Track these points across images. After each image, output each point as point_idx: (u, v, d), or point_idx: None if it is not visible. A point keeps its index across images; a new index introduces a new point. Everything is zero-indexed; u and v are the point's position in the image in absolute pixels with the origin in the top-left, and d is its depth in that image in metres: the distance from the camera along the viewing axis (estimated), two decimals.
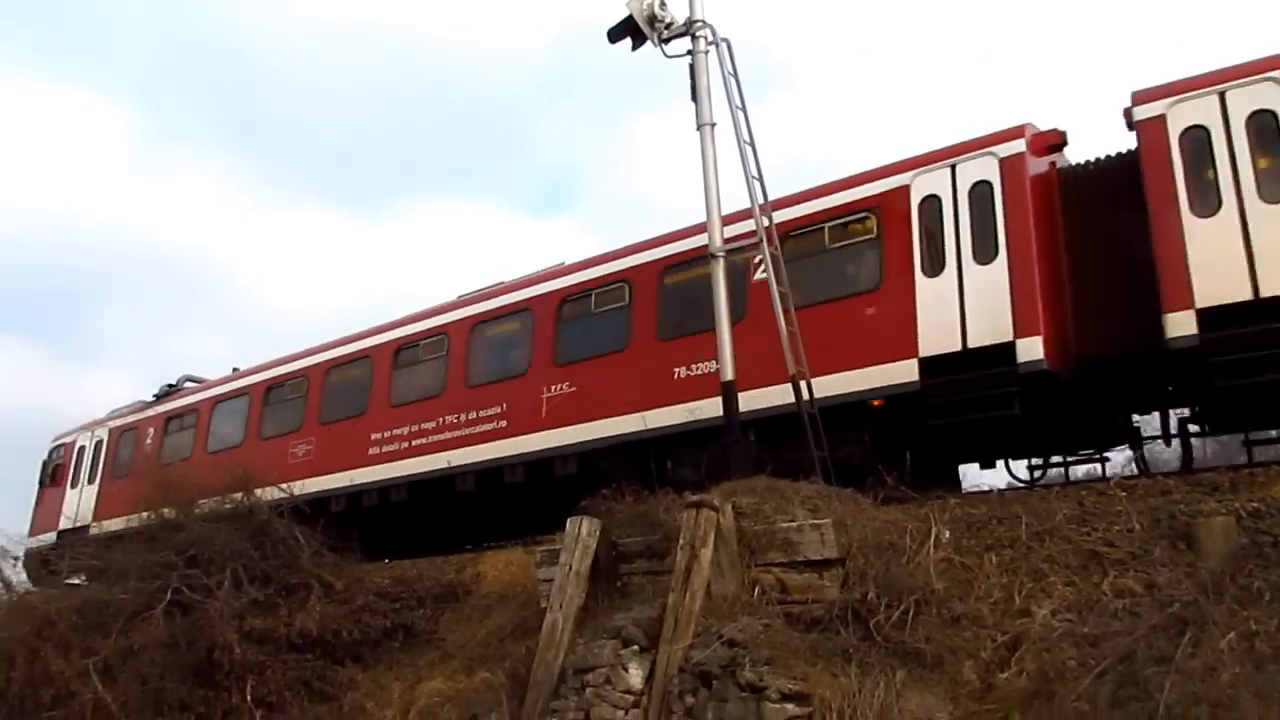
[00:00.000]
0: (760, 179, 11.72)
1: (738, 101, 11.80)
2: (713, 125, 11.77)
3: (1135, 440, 11.94)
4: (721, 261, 11.46)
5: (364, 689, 10.85)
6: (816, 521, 8.58)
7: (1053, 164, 11.64)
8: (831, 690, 7.18)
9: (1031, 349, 10.41)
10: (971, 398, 10.56)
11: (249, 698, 10.96)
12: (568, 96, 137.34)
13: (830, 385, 11.28)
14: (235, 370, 20.30)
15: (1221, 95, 10.26)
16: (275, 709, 10.94)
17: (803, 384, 10.94)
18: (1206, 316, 9.69)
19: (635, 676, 8.06)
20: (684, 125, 11.90)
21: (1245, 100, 10.13)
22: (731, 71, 11.84)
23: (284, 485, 14.48)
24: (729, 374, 11.07)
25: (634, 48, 12.26)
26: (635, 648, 8.25)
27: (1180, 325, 9.80)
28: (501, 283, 15.93)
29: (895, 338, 11.18)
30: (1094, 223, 11.01)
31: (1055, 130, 11.66)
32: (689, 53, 11.96)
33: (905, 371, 11.05)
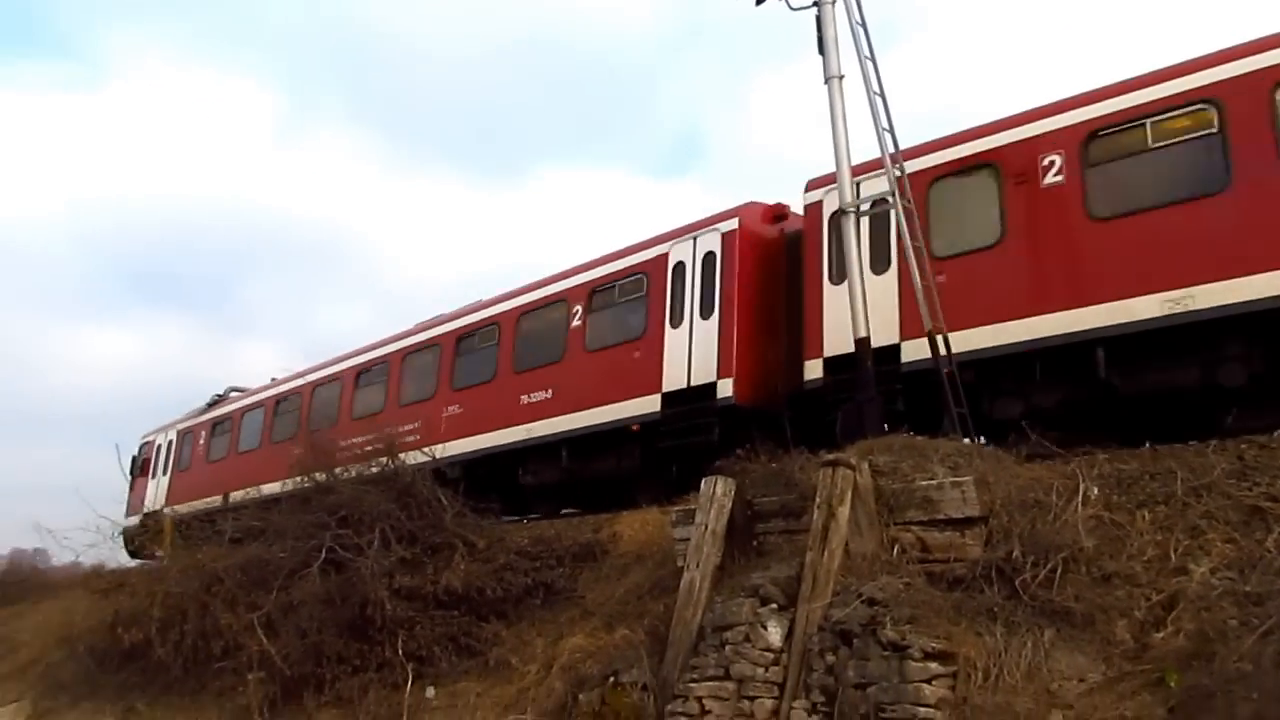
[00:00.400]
0: (891, 131, 11.43)
1: (866, 52, 11.52)
2: (841, 78, 11.52)
3: None
4: (853, 218, 11.28)
5: (508, 644, 11.18)
6: (957, 479, 8.40)
7: (782, 230, 14.05)
8: (976, 649, 7.07)
9: (726, 388, 13.13)
10: (688, 425, 13.29)
11: (400, 651, 11.45)
12: (691, 55, 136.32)
13: (610, 413, 14.35)
14: (273, 379, 23.72)
15: (857, 185, 11.85)
16: (425, 662, 11.40)
17: (939, 340, 10.69)
18: (830, 363, 12.13)
19: (774, 634, 8.09)
20: (811, 79, 11.67)
21: (867, 190, 11.97)
22: (859, 21, 11.54)
23: (427, 450, 15.03)
24: (862, 331, 10.90)
25: (758, 2, 12.10)
26: (773, 606, 8.27)
27: (813, 370, 12.37)
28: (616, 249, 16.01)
29: (650, 376, 13.96)
30: (793, 282, 13.18)
31: (780, 204, 14.28)
32: (815, 4, 11.71)
33: (652, 404, 13.85)
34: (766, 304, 13.60)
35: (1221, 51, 10.31)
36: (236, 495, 20.46)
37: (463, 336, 17.49)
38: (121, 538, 23.33)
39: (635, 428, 14.04)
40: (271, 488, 17.88)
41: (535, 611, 11.64)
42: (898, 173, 11.30)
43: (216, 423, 24.92)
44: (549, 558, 12.25)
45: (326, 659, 11.82)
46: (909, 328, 11.38)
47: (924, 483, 8.53)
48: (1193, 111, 10.19)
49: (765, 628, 8.14)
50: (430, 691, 11.16)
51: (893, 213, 11.51)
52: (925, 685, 6.97)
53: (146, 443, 28.13)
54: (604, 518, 13.50)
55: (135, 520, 25.31)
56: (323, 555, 12.47)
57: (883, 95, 11.46)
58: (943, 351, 10.64)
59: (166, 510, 24.38)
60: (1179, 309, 9.73)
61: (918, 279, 10.78)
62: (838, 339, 11.89)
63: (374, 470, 13.94)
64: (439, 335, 18.10)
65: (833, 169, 11.73)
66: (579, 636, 10.49)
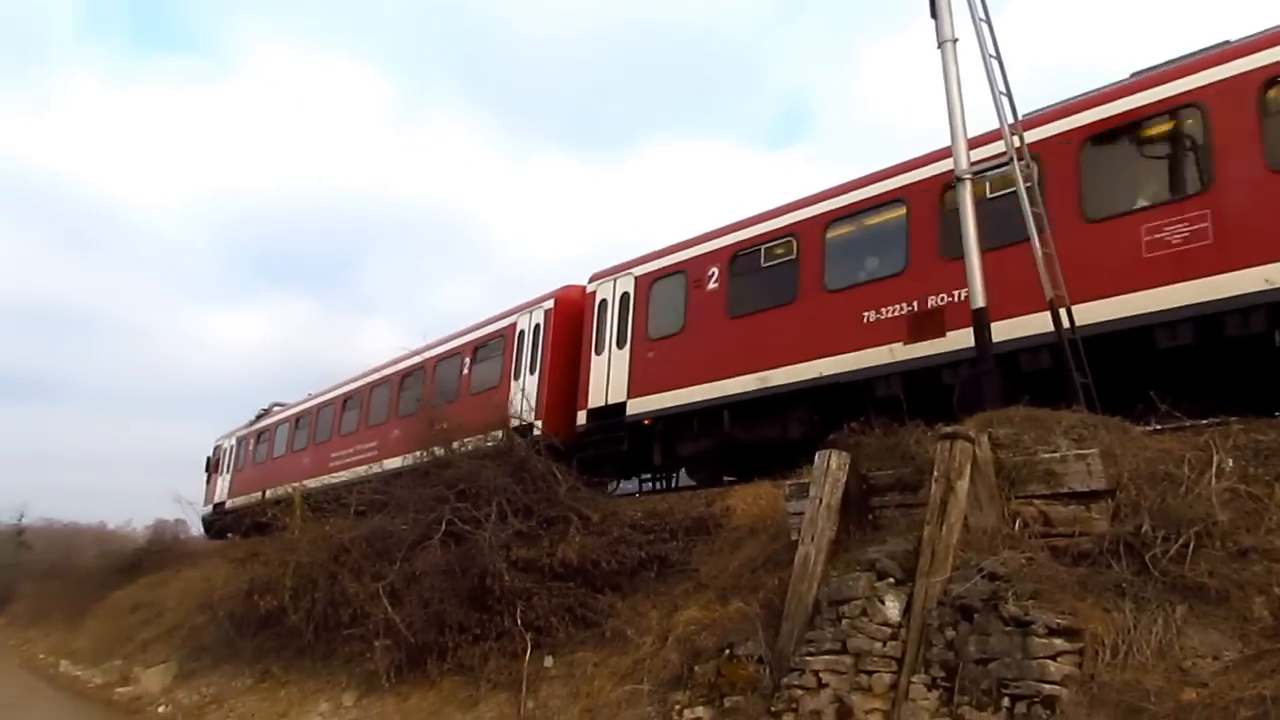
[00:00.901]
0: (1009, 94, 11.05)
1: (981, 14, 11.15)
2: (954, 41, 11.18)
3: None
4: (969, 185, 10.94)
5: (623, 616, 11.31)
6: (1082, 451, 8.12)
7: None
8: (1104, 625, 6.85)
9: (538, 426, 16.77)
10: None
11: (519, 621, 11.72)
12: (796, 26, 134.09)
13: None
14: (308, 394, 29.15)
15: (614, 280, 17.36)
16: (543, 632, 11.63)
17: (1062, 311, 10.34)
18: (591, 413, 16.94)
19: (892, 609, 7.99)
20: (923, 45, 11.36)
21: (620, 284, 17.24)
22: None
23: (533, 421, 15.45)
24: (979, 301, 10.60)
25: None
26: (890, 580, 8.16)
27: (581, 418, 17.11)
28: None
29: (501, 415, 16.28)
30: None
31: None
32: None
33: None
34: (570, 364, 17.72)
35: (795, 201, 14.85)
36: (274, 490, 24.25)
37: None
38: (202, 522, 32.39)
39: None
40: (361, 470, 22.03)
41: (649, 584, 11.75)
42: (1017, 141, 10.93)
43: (260, 432, 31.34)
44: (662, 531, 12.32)
45: (448, 628, 12.16)
46: (634, 390, 16.25)
47: (1046, 455, 8.28)
48: (782, 242, 14.58)
49: (883, 602, 8.04)
50: (548, 661, 11.40)
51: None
52: (1050, 661, 6.79)
53: (217, 445, 34.46)
54: (716, 491, 13.53)
55: (208, 510, 33.33)
56: (443, 528, 12.85)
57: (999, 58, 11.09)
58: (1065, 323, 10.30)
59: (229, 502, 30.78)
60: (764, 385, 14.08)
61: (1038, 248, 10.43)
62: (597, 395, 16.88)
63: (489, 445, 14.24)
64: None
65: (610, 264, 17.60)
66: (693, 609, 10.54)
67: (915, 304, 12.53)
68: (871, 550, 8.53)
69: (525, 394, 17.78)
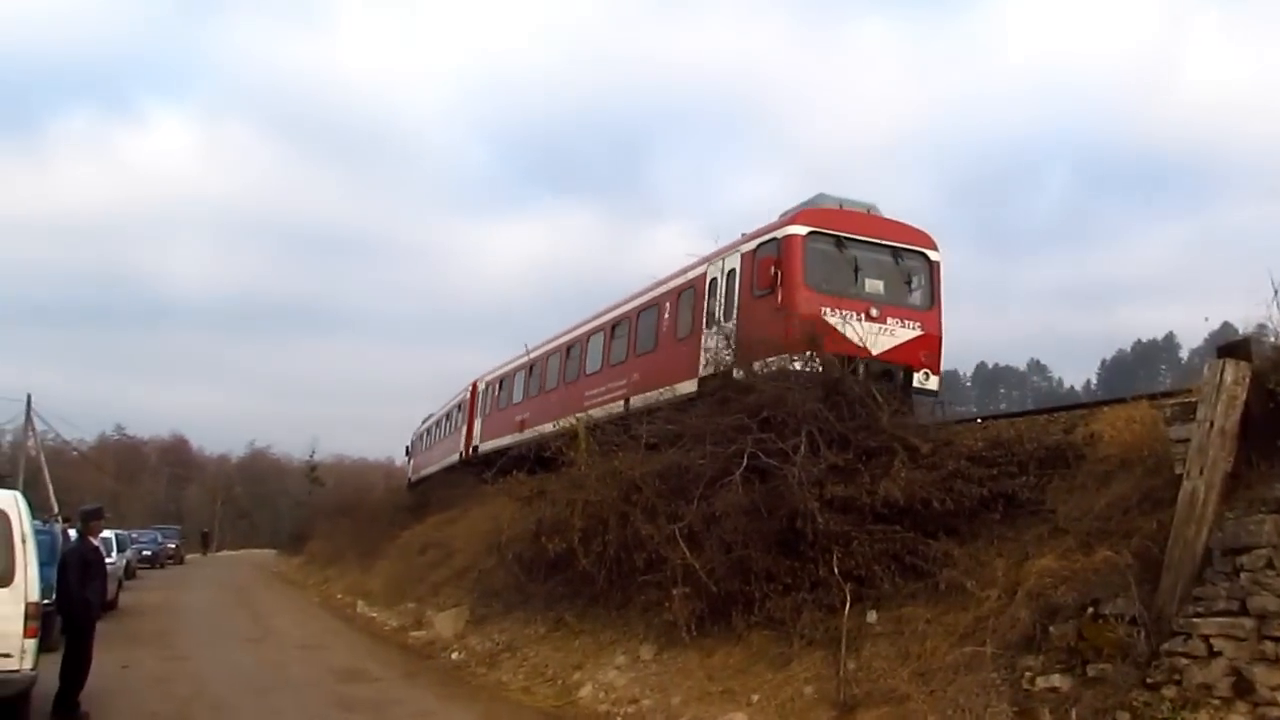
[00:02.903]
0: None
1: None
2: None
3: None
4: None
5: (961, 565, 11.17)
6: None
7: None
8: None
9: None
10: None
11: (836, 570, 11.85)
12: None
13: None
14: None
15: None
16: (864, 583, 11.73)
17: None
18: None
19: None
20: None
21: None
22: None
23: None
24: None
25: None
26: None
27: None
28: None
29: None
30: None
31: None
32: None
33: None
34: None
35: None
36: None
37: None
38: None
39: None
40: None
41: (993, 528, 11.50)
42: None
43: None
44: (1008, 464, 11.95)
45: (755, 576, 12.53)
46: None
47: None
48: None
49: None
50: (872, 616, 11.50)
51: None
52: None
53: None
54: (1079, 414, 12.96)
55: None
56: (744, 462, 13.12)
57: None
58: None
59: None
60: None
61: None
62: None
63: (796, 365, 14.33)
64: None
65: None
66: (1048, 558, 10.23)
67: None
68: None
69: None
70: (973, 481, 11.83)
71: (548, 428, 24.15)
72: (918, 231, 17.96)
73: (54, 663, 12.06)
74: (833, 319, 15.65)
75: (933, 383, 16.70)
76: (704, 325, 18.77)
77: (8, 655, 10.29)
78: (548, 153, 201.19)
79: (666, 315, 20.75)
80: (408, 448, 52.19)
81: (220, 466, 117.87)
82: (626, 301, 23.21)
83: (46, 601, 11.56)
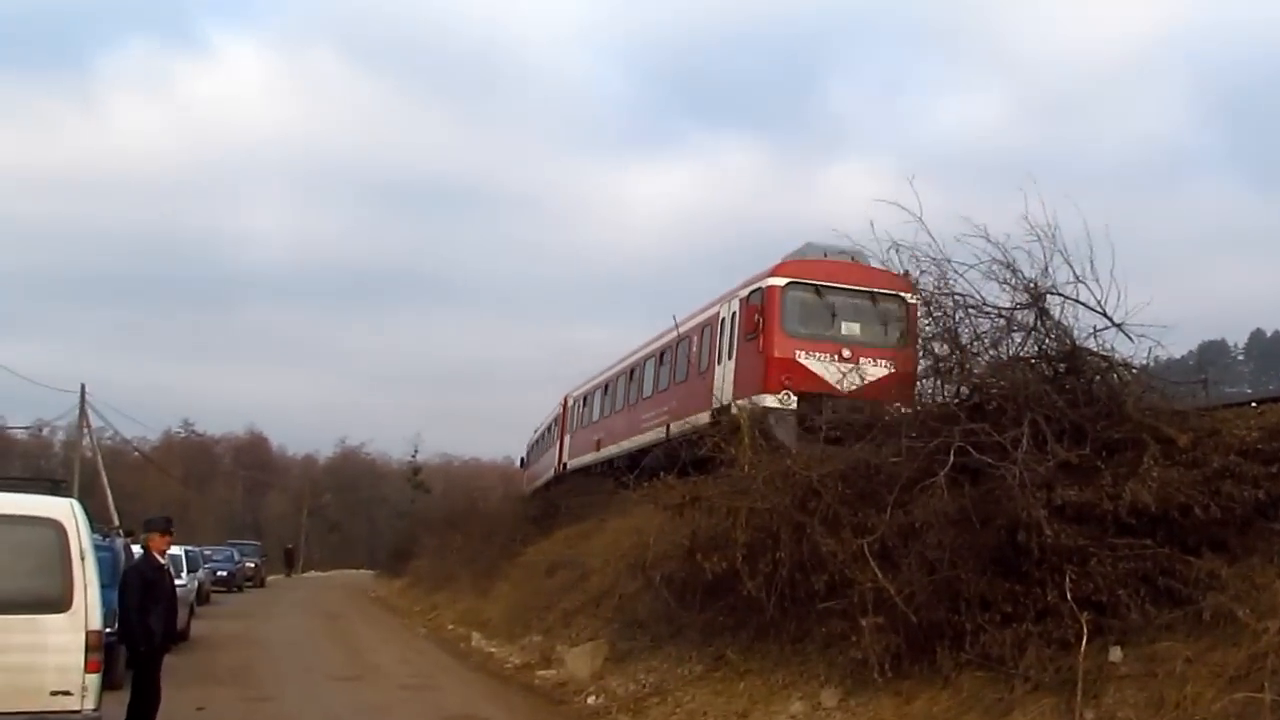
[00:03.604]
0: None
1: None
2: None
3: None
4: None
5: (1230, 589, 10.94)
6: None
7: None
8: None
9: None
10: None
11: (1069, 595, 11.69)
12: None
13: None
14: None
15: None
16: (1105, 611, 11.55)
17: None
18: None
19: None
20: None
21: None
22: None
23: None
24: None
25: None
26: None
27: None
28: None
29: None
30: None
31: None
32: None
33: None
34: None
35: None
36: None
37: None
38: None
39: None
40: None
41: (1272, 541, 11.27)
42: None
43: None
44: None
45: (965, 602, 12.46)
46: None
47: None
48: None
49: None
50: (1115, 653, 11.35)
51: None
52: None
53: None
54: None
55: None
56: (950, 459, 13.06)
57: None
58: None
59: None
60: None
61: None
62: None
63: (1016, 335, 14.22)
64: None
65: None
66: None
67: None
68: None
69: None
70: (1246, 482, 11.59)
71: (614, 449, 33.20)
72: (895, 276, 21.11)
73: (119, 702, 12.68)
74: (805, 361, 22.14)
75: None
76: (716, 360, 25.58)
77: (67, 693, 10.74)
78: (696, 77, 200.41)
79: (694, 347, 27.52)
80: (523, 459, 58.19)
81: (306, 470, 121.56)
82: (673, 330, 29.29)
83: (109, 630, 12.09)
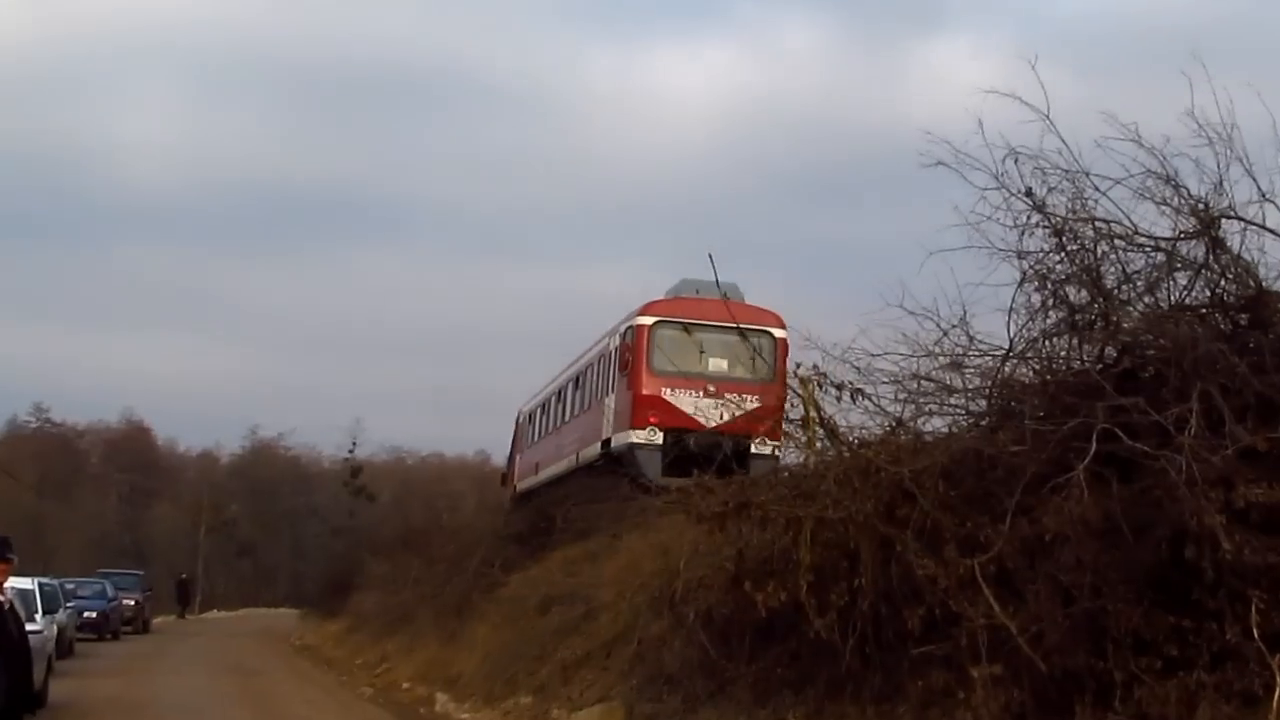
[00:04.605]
0: None
1: None
2: None
3: None
4: None
5: None
6: None
7: None
8: None
9: None
10: None
11: (1255, 633, 11.71)
12: None
13: None
14: None
15: None
16: None
17: None
18: None
19: None
20: None
21: None
22: None
23: None
24: None
25: None
26: None
27: None
28: None
29: None
30: None
31: None
32: None
33: None
34: None
35: None
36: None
37: None
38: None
39: None
40: None
41: None
42: None
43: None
44: None
45: (1113, 643, 12.42)
46: None
47: None
48: None
49: None
50: None
51: None
52: None
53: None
54: None
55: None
56: (1092, 446, 13.01)
57: None
58: None
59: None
60: None
61: None
62: None
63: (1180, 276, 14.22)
64: None
65: None
66: None
67: None
68: None
69: None
70: None
71: (546, 474, 43.27)
72: (766, 312, 33.02)
73: None
74: (671, 397, 31.75)
75: (768, 448, 25.89)
76: (606, 392, 35.05)
77: None
78: None
79: (594, 376, 37.41)
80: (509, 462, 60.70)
81: (205, 472, 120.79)
82: (592, 346, 38.35)
83: None
